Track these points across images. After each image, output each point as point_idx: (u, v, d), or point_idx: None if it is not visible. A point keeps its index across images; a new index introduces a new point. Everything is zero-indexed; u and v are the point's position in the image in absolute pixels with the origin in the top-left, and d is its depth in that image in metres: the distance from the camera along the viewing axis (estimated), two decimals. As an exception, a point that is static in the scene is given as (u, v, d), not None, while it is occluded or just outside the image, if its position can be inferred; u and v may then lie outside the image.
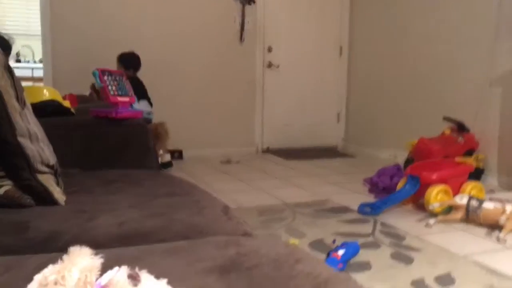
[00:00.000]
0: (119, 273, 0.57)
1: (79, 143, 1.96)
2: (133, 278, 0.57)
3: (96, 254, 0.62)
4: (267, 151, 5.46)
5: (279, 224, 2.79)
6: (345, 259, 2.18)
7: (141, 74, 4.67)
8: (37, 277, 0.56)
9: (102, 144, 2.00)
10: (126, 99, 2.02)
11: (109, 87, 1.97)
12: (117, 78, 2.04)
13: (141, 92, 4.00)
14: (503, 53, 3.82)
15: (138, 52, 4.70)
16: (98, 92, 3.81)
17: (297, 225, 2.78)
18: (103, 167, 1.88)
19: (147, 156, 2.06)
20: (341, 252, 2.19)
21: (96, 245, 1.13)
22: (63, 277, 0.53)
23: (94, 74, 1.96)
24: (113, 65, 4.15)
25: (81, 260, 0.56)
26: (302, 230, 2.68)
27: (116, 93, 1.99)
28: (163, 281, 0.62)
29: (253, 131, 5.44)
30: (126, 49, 4.62)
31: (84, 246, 0.60)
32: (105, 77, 1.98)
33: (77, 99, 2.71)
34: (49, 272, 0.55)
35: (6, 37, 3.28)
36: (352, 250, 2.27)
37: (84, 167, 1.90)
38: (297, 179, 4.06)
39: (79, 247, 0.58)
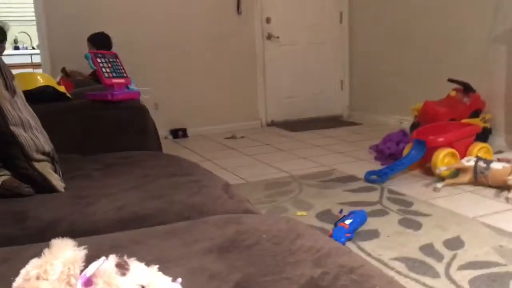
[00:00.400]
0: (106, 263, 0.55)
1: (76, 127, 1.95)
2: (121, 267, 0.55)
3: (83, 246, 0.60)
4: (272, 124, 5.42)
5: (286, 197, 2.78)
6: (353, 228, 2.17)
7: (140, 52, 4.62)
8: (22, 272, 0.54)
9: (100, 128, 1.98)
10: (121, 80, 1.99)
11: (103, 69, 1.93)
12: (111, 60, 2.00)
13: None
14: (506, 9, 3.71)
15: (137, 29, 4.65)
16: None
17: (304, 197, 2.77)
18: (103, 150, 1.87)
19: (146, 137, 2.04)
20: (348, 221, 2.18)
21: (95, 231, 1.13)
22: (45, 271, 0.51)
23: (86, 56, 1.93)
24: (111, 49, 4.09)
25: (63, 253, 0.54)
26: (309, 202, 2.66)
27: (110, 75, 1.96)
28: (154, 268, 0.60)
29: (256, 104, 5.38)
30: (123, 28, 4.56)
31: (66, 238, 0.58)
32: (99, 59, 1.94)
33: (73, 83, 2.68)
34: (31, 267, 0.53)
35: (0, 24, 3.24)
36: (360, 218, 2.26)
37: (83, 152, 1.88)
38: (303, 150, 4.04)
39: (60, 240, 0.57)
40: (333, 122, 5.40)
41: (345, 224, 2.16)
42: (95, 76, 3.34)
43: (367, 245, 2.06)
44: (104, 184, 1.43)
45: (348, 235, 2.12)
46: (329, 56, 5.63)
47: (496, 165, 2.73)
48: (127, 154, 1.78)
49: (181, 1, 4.83)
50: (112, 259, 0.57)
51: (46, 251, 0.55)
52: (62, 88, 2.06)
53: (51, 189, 1.37)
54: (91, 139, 1.94)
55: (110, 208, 1.22)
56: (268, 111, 5.44)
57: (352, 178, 3.09)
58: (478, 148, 3.11)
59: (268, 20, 5.25)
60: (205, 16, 4.95)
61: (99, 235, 1.06)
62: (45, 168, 1.38)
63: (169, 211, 1.21)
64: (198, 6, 4.90)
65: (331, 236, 2.07)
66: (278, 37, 5.30)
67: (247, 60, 5.23)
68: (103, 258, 0.56)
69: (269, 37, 5.28)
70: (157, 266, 0.62)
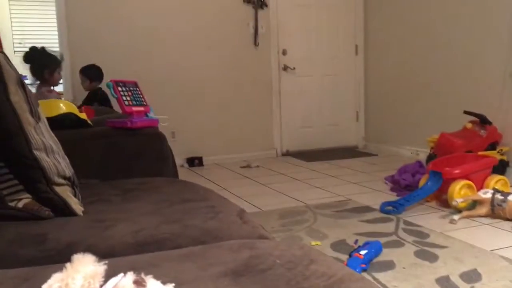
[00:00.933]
0: (124, 279, 0.57)
1: (96, 153, 1.99)
2: (139, 283, 0.57)
3: (103, 262, 0.62)
4: (287, 154, 5.45)
5: (300, 226, 2.78)
6: (368, 259, 2.16)
7: (160, 82, 4.73)
8: (43, 286, 0.56)
9: (119, 154, 2.02)
10: (141, 108, 2.05)
11: (124, 98, 1.99)
12: (131, 88, 2.07)
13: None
14: (523, 42, 3.73)
15: (157, 61, 4.77)
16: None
17: (318, 226, 2.76)
18: (121, 176, 1.90)
19: (164, 164, 2.07)
20: (363, 252, 2.17)
21: (113, 253, 1.15)
22: (66, 285, 0.53)
23: (108, 85, 1.99)
24: (131, 77, 4.20)
25: (84, 267, 0.56)
26: (323, 232, 2.65)
27: (130, 103, 2.02)
28: (170, 286, 0.62)
29: (272, 134, 5.43)
30: (144, 60, 4.70)
31: (87, 254, 0.60)
32: (119, 88, 2.00)
33: (94, 111, 2.76)
34: (53, 281, 0.55)
35: (54, 54, 3.45)
36: (375, 249, 2.24)
37: (103, 177, 1.92)
38: (318, 180, 4.04)
39: (82, 255, 0.59)
40: (348, 152, 5.41)
41: (360, 254, 2.15)
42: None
43: (382, 276, 2.04)
44: (122, 209, 1.46)
45: (363, 266, 2.10)
46: (345, 87, 5.68)
47: (513, 198, 2.70)
48: (145, 180, 1.82)
49: (199, 33, 4.97)
50: (130, 276, 0.59)
51: (68, 265, 0.57)
52: (83, 115, 2.12)
53: (71, 212, 1.40)
54: (111, 165, 1.98)
55: (127, 231, 1.24)
56: (283, 141, 5.48)
57: (367, 209, 3.08)
58: (495, 181, 3.09)
59: (284, 52, 5.35)
60: (223, 48, 5.07)
61: (117, 257, 1.08)
62: (65, 192, 1.42)
63: (184, 235, 1.23)
64: (216, 38, 5.02)
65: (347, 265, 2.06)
66: (294, 69, 5.38)
67: (263, 91, 5.31)
68: (121, 274, 0.59)
69: (285, 68, 5.37)
70: (173, 284, 0.63)
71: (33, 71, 3.33)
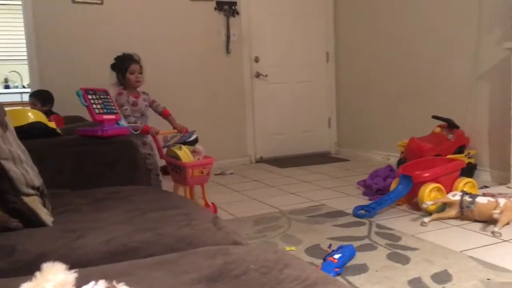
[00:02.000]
0: (96, 287, 0.57)
1: (66, 163, 1.96)
2: (111, 291, 0.57)
3: (73, 270, 0.61)
4: (261, 160, 5.46)
5: (275, 232, 2.79)
6: (342, 263, 2.18)
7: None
8: (13, 296, 0.55)
9: (90, 163, 1.99)
10: (111, 116, 2.02)
11: (94, 106, 1.97)
12: (102, 96, 2.04)
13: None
14: (487, 46, 3.85)
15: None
16: None
17: (293, 232, 2.77)
18: (93, 185, 1.88)
19: (136, 172, 2.05)
20: (337, 256, 2.19)
21: (85, 263, 1.13)
22: (37, 294, 0.52)
23: (78, 93, 1.97)
24: (100, 85, 4.14)
25: (54, 276, 0.55)
26: (298, 237, 2.67)
27: (101, 111, 1.99)
28: (143, 293, 0.61)
29: (246, 141, 5.44)
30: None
31: (57, 262, 0.59)
32: (89, 96, 1.98)
33: (63, 119, 2.71)
34: (23, 290, 0.54)
35: (128, 55, 3.43)
36: (348, 253, 2.27)
37: (74, 187, 1.89)
38: (292, 186, 4.06)
39: (51, 263, 0.58)
40: (321, 158, 5.46)
41: (334, 259, 2.16)
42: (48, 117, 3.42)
43: (356, 279, 2.06)
44: (94, 218, 1.44)
45: (337, 269, 2.12)
46: (317, 94, 5.74)
47: (481, 200, 2.77)
48: (117, 189, 1.80)
49: (171, 41, 4.95)
50: (102, 283, 0.58)
51: (37, 274, 0.56)
52: (52, 124, 2.09)
53: (40, 223, 1.37)
54: (81, 174, 1.95)
55: (99, 241, 1.23)
56: (257, 147, 5.49)
57: (340, 213, 3.11)
58: (464, 183, 3.16)
59: (256, 59, 5.37)
60: (195, 56, 5.06)
61: (89, 267, 1.07)
62: (34, 202, 1.39)
63: (158, 243, 1.22)
64: (188, 46, 5.01)
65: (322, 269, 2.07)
66: (266, 76, 5.41)
67: (236, 98, 5.32)
68: (92, 282, 0.58)
69: (258, 75, 5.40)
70: (146, 291, 0.63)
71: (116, 78, 3.39)
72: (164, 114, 3.48)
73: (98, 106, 2.00)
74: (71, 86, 4.15)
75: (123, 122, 2.10)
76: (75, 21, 4.56)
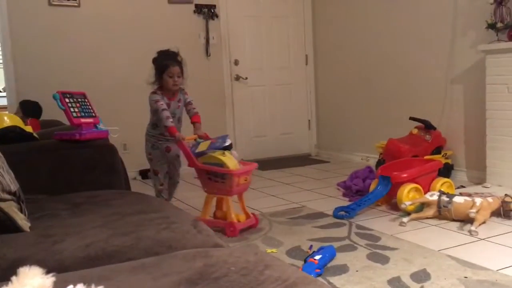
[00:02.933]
0: (74, 291, 0.56)
1: (44, 167, 1.93)
2: (89, 294, 0.56)
3: (51, 274, 0.60)
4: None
5: (256, 234, 2.79)
6: (322, 264, 2.19)
7: (110, 93, 4.63)
8: (-12, 302, 0.54)
9: (68, 168, 1.97)
10: (90, 120, 2.00)
11: (71, 109, 1.94)
12: (79, 100, 2.02)
13: None
14: (462, 49, 3.93)
15: (105, 70, 4.68)
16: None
17: (274, 234, 2.78)
18: (71, 190, 1.85)
19: (115, 176, 2.03)
20: (318, 257, 2.20)
21: (63, 268, 1.11)
22: (13, 299, 0.52)
23: (54, 97, 1.94)
24: (80, 89, 4.10)
25: (31, 280, 0.54)
26: (279, 239, 2.67)
27: (79, 114, 1.97)
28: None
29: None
30: (92, 69, 4.60)
31: (34, 266, 0.58)
32: (67, 99, 1.95)
33: (40, 123, 2.67)
34: (-1, 295, 0.53)
35: (171, 54, 3.19)
36: (329, 254, 2.28)
37: (51, 192, 1.86)
38: (272, 188, 4.07)
39: (28, 267, 0.57)
40: (302, 160, 5.48)
41: (315, 260, 2.17)
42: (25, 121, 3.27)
43: (337, 280, 2.07)
44: (72, 223, 1.42)
45: (318, 270, 2.13)
46: (296, 97, 5.77)
47: (458, 199, 2.82)
48: (95, 193, 1.78)
49: (150, 42, 4.90)
50: (80, 287, 0.58)
51: (14, 278, 0.55)
52: (29, 128, 2.05)
53: (16, 228, 1.35)
54: (59, 179, 1.92)
55: (77, 245, 1.21)
56: (237, 150, 5.46)
57: (320, 215, 3.13)
58: (441, 183, 3.22)
59: (236, 62, 5.38)
60: (174, 58, 5.03)
61: (66, 272, 1.05)
62: (10, 208, 1.36)
63: (137, 247, 1.21)
64: (166, 47, 4.97)
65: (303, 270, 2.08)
66: (246, 79, 5.42)
67: (216, 101, 5.31)
68: (70, 286, 0.57)
69: (238, 78, 5.40)
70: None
71: (154, 75, 3.12)
72: (193, 120, 3.21)
73: (76, 110, 1.98)
74: (47, 90, 4.09)
75: (102, 126, 2.08)
76: (52, 24, 4.50)
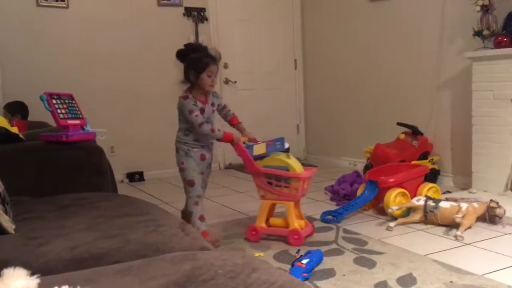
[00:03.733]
0: (60, 293, 0.55)
1: (30, 169, 1.91)
2: (75, 296, 0.56)
3: (35, 276, 0.60)
4: (230, 167, 5.45)
5: (244, 238, 2.78)
6: (310, 268, 2.19)
7: (98, 95, 4.60)
8: (-29, 304, 0.53)
9: (54, 169, 1.95)
10: (77, 121, 1.99)
11: (58, 111, 1.93)
12: (67, 101, 2.00)
13: None
14: (449, 56, 3.98)
15: (93, 72, 4.65)
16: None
17: (261, 238, 2.77)
18: (57, 192, 1.83)
19: (102, 179, 2.02)
20: (305, 261, 2.20)
21: (48, 271, 1.10)
22: (-3, 301, 0.51)
23: (41, 98, 1.92)
24: (67, 90, 4.07)
25: (15, 282, 0.54)
26: (266, 243, 2.67)
27: (66, 116, 1.95)
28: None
29: (214, 148, 5.40)
30: (80, 70, 4.57)
31: (18, 268, 0.58)
32: (54, 101, 1.94)
33: (26, 125, 2.64)
34: (-18, 297, 0.52)
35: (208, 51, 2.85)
36: (316, 258, 2.29)
37: (37, 194, 1.84)
38: (260, 192, 4.06)
39: (12, 269, 0.56)
40: (290, 165, 5.48)
41: (302, 264, 2.18)
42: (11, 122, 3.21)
43: (324, 284, 2.08)
44: (58, 225, 1.40)
45: (305, 274, 2.13)
46: (285, 101, 5.79)
47: (444, 204, 2.85)
48: (82, 196, 1.76)
49: (139, 45, 4.90)
50: (66, 289, 0.57)
51: (-2, 280, 0.55)
52: (14, 129, 2.03)
53: (1, 231, 1.33)
54: (45, 181, 1.90)
55: (63, 248, 1.20)
56: (226, 154, 5.48)
57: (308, 219, 3.12)
58: (427, 188, 3.24)
59: (225, 66, 5.38)
60: (164, 61, 5.02)
61: (52, 274, 1.04)
62: (-5, 209, 1.35)
63: (124, 249, 1.20)
64: (157, 51, 4.97)
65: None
66: (235, 82, 5.42)
67: (205, 104, 5.29)
68: (56, 287, 0.56)
69: (227, 82, 5.40)
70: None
71: (185, 74, 2.85)
72: (233, 123, 3.02)
73: (63, 111, 1.96)
74: (34, 91, 4.05)
75: (89, 128, 2.06)
76: (40, 25, 4.46)
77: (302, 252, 2.39)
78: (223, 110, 3.02)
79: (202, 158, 2.85)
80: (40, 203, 1.68)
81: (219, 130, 2.77)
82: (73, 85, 4.20)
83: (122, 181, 4.71)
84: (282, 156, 2.70)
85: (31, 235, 1.30)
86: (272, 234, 2.74)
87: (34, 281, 0.58)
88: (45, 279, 0.99)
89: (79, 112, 2.04)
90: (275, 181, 2.65)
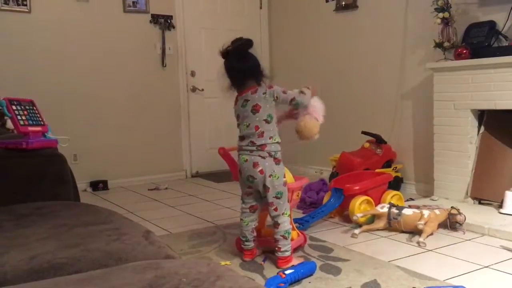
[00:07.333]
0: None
1: (-14, 177, 1.83)
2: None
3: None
4: (197, 175, 5.41)
5: (210, 247, 2.76)
6: (291, 279, 2.13)
7: (60, 101, 4.50)
8: None
9: (13, 177, 1.88)
10: (38, 128, 1.93)
11: (18, 117, 1.87)
12: (27, 107, 1.94)
13: None
14: (411, 67, 4.09)
15: (57, 77, 4.54)
16: None
17: (228, 246, 2.76)
18: (16, 201, 1.77)
19: (63, 187, 1.96)
20: (288, 271, 2.16)
21: (5, 282, 1.06)
22: None
23: (0, 104, 1.86)
24: (28, 96, 3.95)
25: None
26: (233, 252, 2.66)
27: (26, 122, 1.89)
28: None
29: (181, 156, 5.37)
30: (43, 75, 4.46)
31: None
32: (14, 107, 1.88)
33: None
34: None
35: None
36: (305, 269, 2.23)
37: (-6, 203, 1.77)
38: (227, 200, 4.05)
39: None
40: (257, 173, 5.49)
41: (283, 273, 2.14)
42: None
43: (290, 291, 2.08)
44: (15, 235, 1.35)
45: (282, 285, 2.08)
46: (252, 109, 5.80)
47: (407, 211, 2.91)
48: (42, 205, 1.70)
49: (104, 51, 4.82)
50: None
51: None
52: (-29, 136, 1.95)
53: (-46, 241, 1.27)
54: (3, 189, 1.83)
55: (21, 258, 1.15)
56: (192, 162, 5.44)
57: (275, 227, 3.13)
58: (391, 196, 3.31)
59: (192, 74, 5.36)
60: (130, 68, 4.96)
61: (9, 286, 1.00)
62: (-51, 219, 1.29)
63: (85, 259, 1.17)
64: (122, 58, 4.91)
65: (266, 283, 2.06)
66: (202, 90, 5.40)
67: (172, 112, 5.26)
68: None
69: (194, 90, 5.38)
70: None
71: (250, 72, 2.48)
72: None
73: (23, 118, 1.90)
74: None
75: (50, 135, 2.00)
76: (0, 30, 4.33)
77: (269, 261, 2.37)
78: None
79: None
80: (-3, 213, 1.62)
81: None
82: (35, 91, 4.09)
83: (85, 190, 4.60)
84: None
85: (-14, 245, 1.25)
86: (262, 246, 2.61)
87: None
88: (0, 290, 0.96)
89: (40, 119, 1.98)
90: None
